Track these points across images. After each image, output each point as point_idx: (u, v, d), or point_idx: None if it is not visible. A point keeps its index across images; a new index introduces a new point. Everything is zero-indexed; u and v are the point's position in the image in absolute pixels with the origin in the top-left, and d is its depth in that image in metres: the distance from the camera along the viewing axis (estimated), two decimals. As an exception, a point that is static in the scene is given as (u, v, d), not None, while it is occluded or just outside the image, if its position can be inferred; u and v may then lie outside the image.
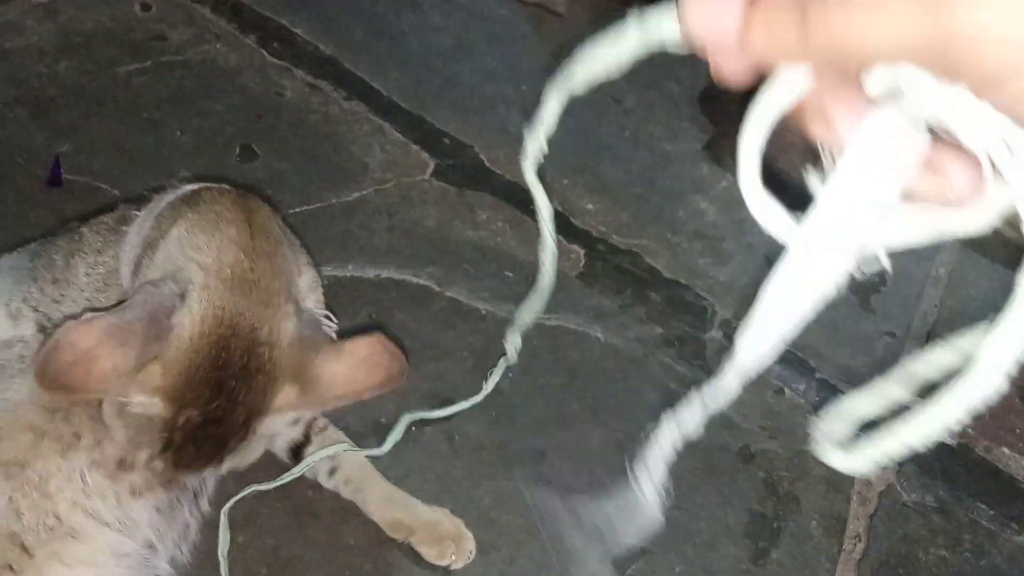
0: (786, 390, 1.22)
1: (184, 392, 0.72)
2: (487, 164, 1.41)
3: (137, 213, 0.87)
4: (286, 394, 0.76)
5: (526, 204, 1.36)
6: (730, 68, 0.31)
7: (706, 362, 1.23)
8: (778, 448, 1.14)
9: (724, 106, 1.53)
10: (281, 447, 1.02)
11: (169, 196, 0.86)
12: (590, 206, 1.38)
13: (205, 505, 0.91)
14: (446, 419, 1.10)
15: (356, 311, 1.19)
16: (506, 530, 1.04)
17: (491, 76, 1.54)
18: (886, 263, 0.31)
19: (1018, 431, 1.18)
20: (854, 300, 1.31)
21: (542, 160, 0.40)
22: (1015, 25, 0.24)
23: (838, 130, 0.30)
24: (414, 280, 1.25)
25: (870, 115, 0.30)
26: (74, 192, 1.26)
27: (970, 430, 1.19)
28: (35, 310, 0.85)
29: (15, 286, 0.88)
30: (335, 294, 0.98)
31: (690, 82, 1.53)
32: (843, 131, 0.30)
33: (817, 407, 1.18)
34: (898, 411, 0.35)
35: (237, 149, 1.36)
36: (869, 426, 0.37)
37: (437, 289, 1.25)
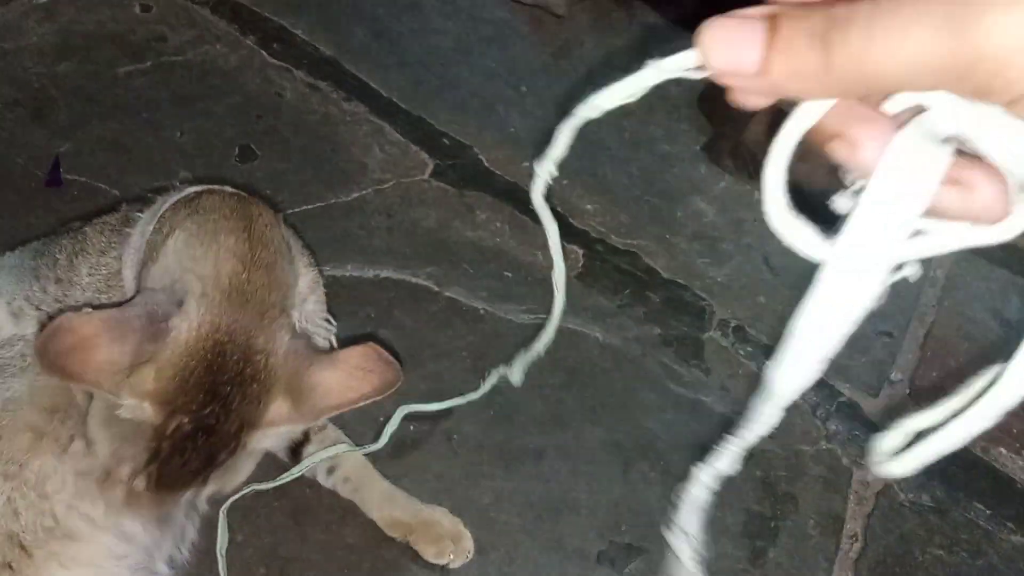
0: (784, 390, 1.22)
1: (176, 396, 0.71)
2: (486, 164, 1.41)
3: (140, 215, 0.87)
4: (279, 407, 0.75)
5: (525, 204, 1.37)
6: (751, 96, 0.31)
7: (704, 362, 1.24)
8: (776, 448, 1.15)
9: (723, 108, 1.53)
10: (280, 446, 1.02)
11: (172, 198, 0.86)
12: (589, 206, 1.39)
13: (203, 506, 0.91)
14: (445, 418, 1.10)
15: (355, 311, 1.19)
16: (504, 529, 1.04)
17: (490, 77, 1.54)
18: (916, 272, 0.32)
19: (1015, 431, 1.18)
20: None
21: (551, 185, 0.40)
22: None
23: (861, 151, 0.30)
24: (413, 280, 1.26)
25: (895, 136, 0.30)
26: (74, 192, 1.26)
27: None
28: (37, 309, 0.86)
29: (17, 285, 0.88)
30: (334, 294, 0.98)
31: (689, 84, 1.53)
32: (867, 152, 0.30)
33: (815, 408, 1.19)
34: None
35: (237, 149, 1.37)
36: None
37: (436, 289, 1.25)
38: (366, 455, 1.04)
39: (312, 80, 1.48)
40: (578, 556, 1.04)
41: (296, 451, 1.01)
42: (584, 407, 1.16)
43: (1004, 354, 0.33)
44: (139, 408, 0.71)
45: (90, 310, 0.71)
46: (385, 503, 1.01)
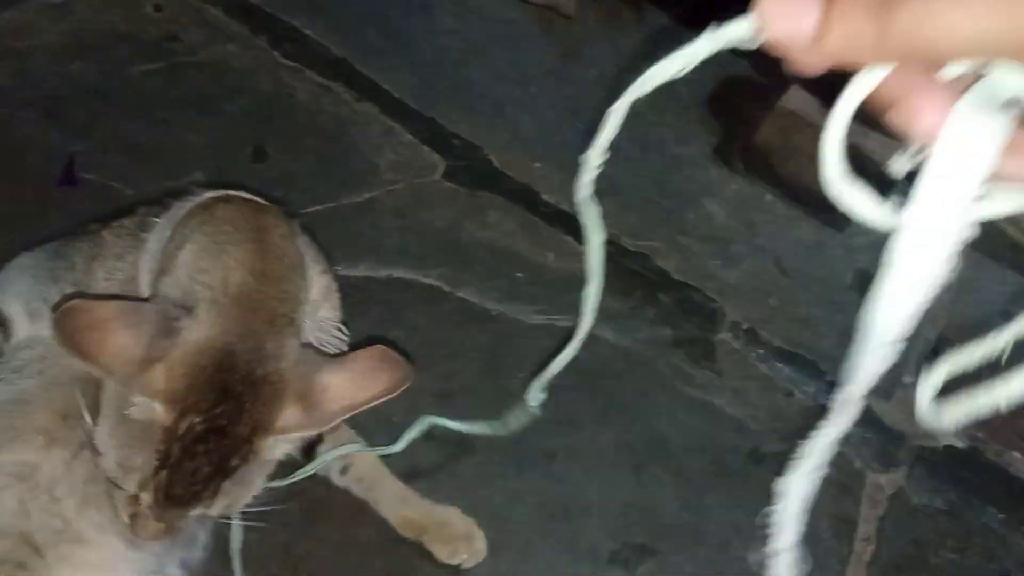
0: (796, 393, 1.22)
1: (187, 395, 0.70)
2: (497, 166, 1.42)
3: (156, 220, 0.87)
4: (291, 413, 0.74)
5: (536, 206, 1.37)
6: (806, 64, 0.30)
7: (715, 364, 1.24)
8: (788, 450, 1.14)
9: (734, 109, 1.53)
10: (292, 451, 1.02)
11: (188, 204, 0.86)
12: (599, 208, 1.38)
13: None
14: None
15: (367, 311, 1.19)
16: (517, 530, 1.05)
17: (500, 78, 1.54)
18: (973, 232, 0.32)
19: (1029, 435, 1.18)
20: (862, 303, 1.31)
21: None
22: None
23: (921, 119, 0.30)
24: (425, 280, 1.26)
25: (957, 103, 0.30)
26: (88, 191, 1.27)
27: (980, 434, 1.19)
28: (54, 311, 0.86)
29: (35, 285, 0.89)
30: (346, 294, 0.98)
31: (700, 85, 1.53)
32: (926, 120, 0.30)
33: (826, 411, 1.18)
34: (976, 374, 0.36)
35: (249, 149, 1.37)
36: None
37: (447, 289, 1.25)
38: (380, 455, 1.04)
39: (324, 81, 1.48)
40: (590, 557, 1.04)
41: (310, 450, 1.01)
42: (595, 409, 1.16)
43: (1017, 357, 0.33)
44: (149, 408, 0.71)
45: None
46: (398, 503, 1.01)
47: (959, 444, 1.19)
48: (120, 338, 0.69)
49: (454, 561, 1.00)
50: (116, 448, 0.73)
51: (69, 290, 0.87)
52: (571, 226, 1.33)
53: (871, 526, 1.10)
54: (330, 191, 1.34)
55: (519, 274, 1.28)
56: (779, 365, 1.25)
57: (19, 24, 1.46)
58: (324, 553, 1.00)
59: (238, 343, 0.73)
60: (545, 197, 1.37)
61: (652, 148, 1.49)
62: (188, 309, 0.74)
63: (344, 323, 0.97)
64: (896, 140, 0.32)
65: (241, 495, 0.75)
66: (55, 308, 0.73)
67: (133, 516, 0.73)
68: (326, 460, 1.00)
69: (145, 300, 0.80)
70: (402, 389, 0.77)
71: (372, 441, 1.04)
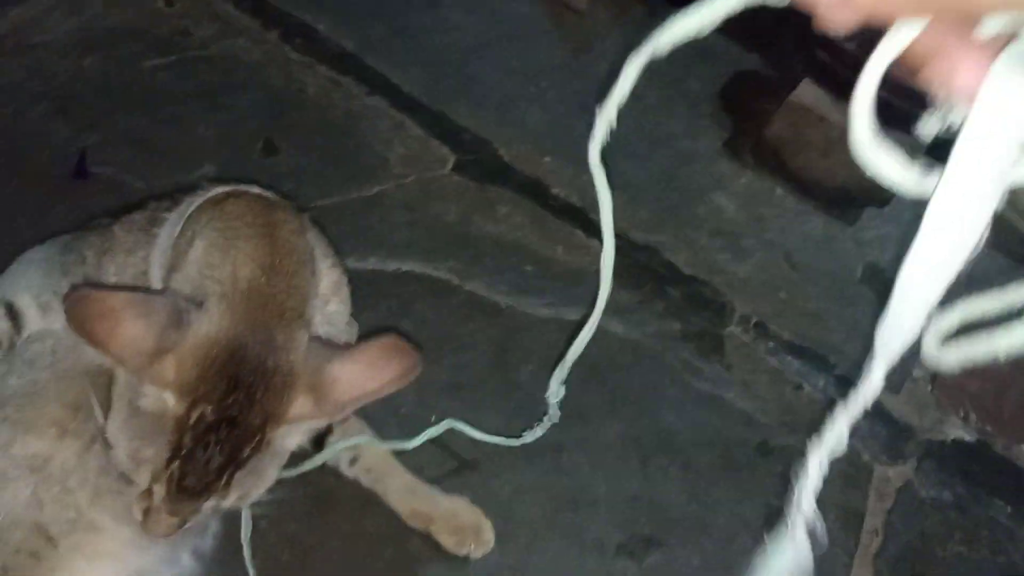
0: (805, 386, 1.22)
1: (198, 384, 0.71)
2: (506, 160, 1.42)
3: (167, 216, 0.88)
4: (302, 403, 0.75)
5: (545, 200, 1.37)
6: (838, 21, 0.30)
7: (724, 357, 1.24)
8: (796, 443, 1.14)
9: (744, 104, 1.53)
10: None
11: (198, 199, 0.87)
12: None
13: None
14: (467, 411, 1.11)
15: (376, 304, 1.20)
16: (524, 521, 1.05)
17: (510, 73, 1.55)
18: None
19: (1037, 430, 1.18)
20: (872, 296, 1.31)
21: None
22: None
23: (957, 77, 0.30)
24: (434, 274, 1.26)
25: (993, 63, 0.29)
26: (99, 185, 1.28)
27: (989, 427, 1.19)
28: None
29: (46, 279, 0.89)
30: (356, 287, 0.99)
31: (709, 79, 1.53)
32: (962, 78, 0.30)
33: (835, 404, 1.18)
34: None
35: (259, 144, 1.38)
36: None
37: (457, 283, 1.26)
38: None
39: (334, 75, 1.48)
40: (597, 548, 1.05)
41: (320, 441, 1.02)
42: (604, 401, 1.17)
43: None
44: (160, 398, 0.71)
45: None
46: (407, 494, 1.02)
47: (967, 437, 1.19)
48: (131, 328, 0.70)
49: (462, 552, 1.00)
50: (128, 441, 0.73)
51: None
52: (580, 220, 1.33)
53: (878, 519, 1.10)
54: (340, 185, 1.34)
55: (528, 268, 1.29)
56: (788, 358, 1.25)
57: (30, 19, 1.47)
58: (333, 543, 1.00)
59: (248, 335, 0.73)
60: (554, 191, 1.38)
61: (662, 142, 1.49)
62: (198, 303, 0.74)
63: (353, 316, 0.98)
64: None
65: (254, 486, 0.76)
66: (67, 295, 0.73)
67: (146, 513, 0.74)
68: (336, 450, 1.00)
69: (156, 293, 0.80)
70: (412, 377, 0.78)
71: (381, 432, 1.04)
